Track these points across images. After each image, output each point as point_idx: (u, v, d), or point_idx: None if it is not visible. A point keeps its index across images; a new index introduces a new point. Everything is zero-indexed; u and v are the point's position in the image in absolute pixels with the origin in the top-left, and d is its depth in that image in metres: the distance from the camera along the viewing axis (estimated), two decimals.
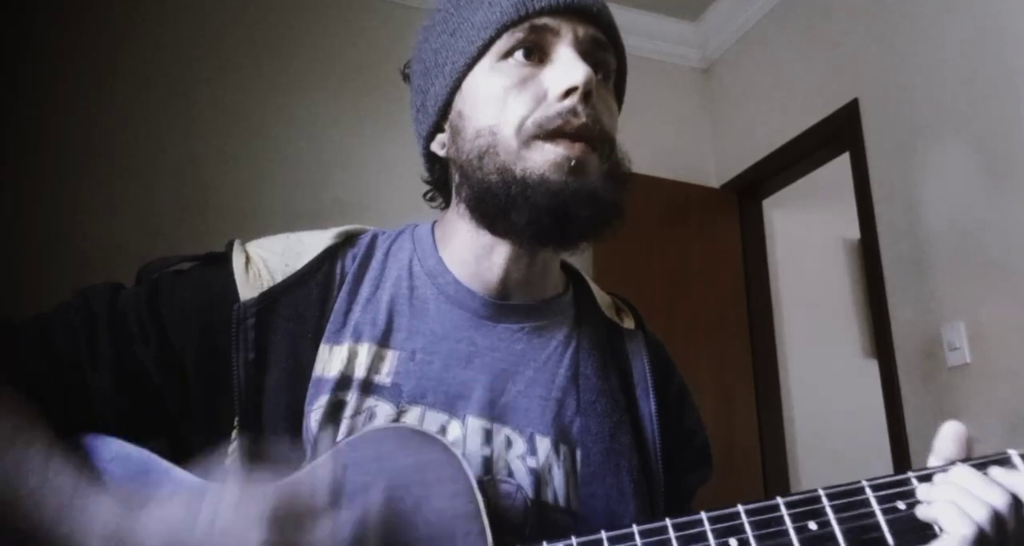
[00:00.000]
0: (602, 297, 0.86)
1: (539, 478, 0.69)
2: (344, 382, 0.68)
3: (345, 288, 0.73)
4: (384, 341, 0.71)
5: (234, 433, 0.65)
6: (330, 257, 0.75)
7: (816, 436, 3.07)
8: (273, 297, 0.70)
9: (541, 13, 0.69)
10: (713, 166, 3.33)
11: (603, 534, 0.55)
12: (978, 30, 2.17)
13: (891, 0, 2.49)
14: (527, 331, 0.75)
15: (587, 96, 0.67)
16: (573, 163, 0.66)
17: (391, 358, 0.70)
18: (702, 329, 2.92)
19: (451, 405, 0.70)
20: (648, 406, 0.77)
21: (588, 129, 0.68)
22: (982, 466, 0.59)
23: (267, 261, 0.73)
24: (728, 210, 3.18)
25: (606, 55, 0.73)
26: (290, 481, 0.59)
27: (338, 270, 0.75)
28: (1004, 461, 0.59)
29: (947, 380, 2.10)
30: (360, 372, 0.69)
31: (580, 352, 0.77)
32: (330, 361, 0.69)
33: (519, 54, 0.70)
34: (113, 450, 0.63)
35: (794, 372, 3.18)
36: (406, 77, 0.82)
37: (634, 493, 0.70)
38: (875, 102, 2.51)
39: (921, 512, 0.57)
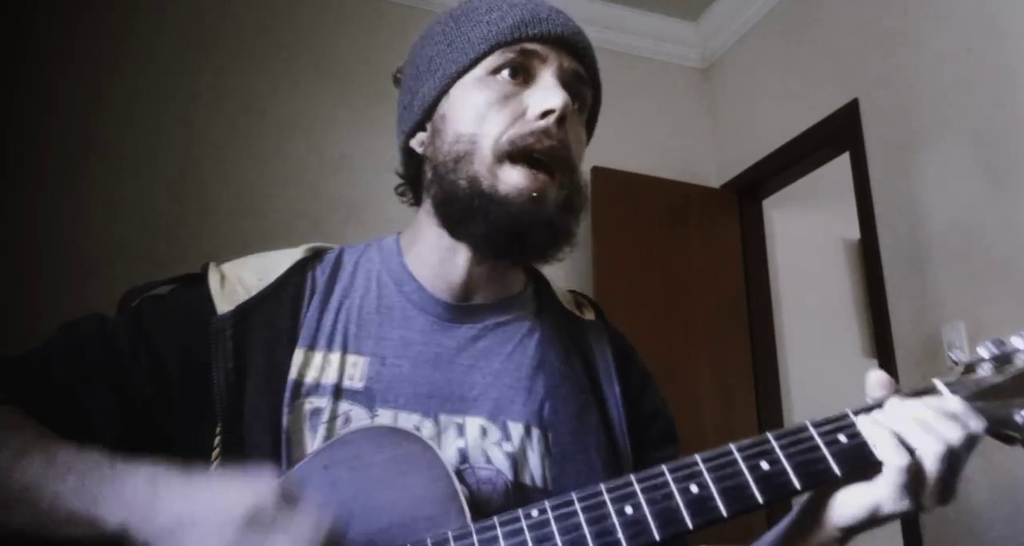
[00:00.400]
0: (562, 292, 0.91)
1: (516, 461, 0.73)
2: (319, 388, 0.73)
3: (316, 298, 0.78)
4: (356, 348, 0.76)
5: (217, 440, 0.68)
6: (300, 270, 0.80)
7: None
8: (248, 309, 0.75)
9: (533, 39, 0.76)
10: (713, 166, 3.33)
11: (573, 495, 0.59)
12: (978, 30, 2.17)
13: (891, 0, 2.49)
14: (491, 328, 0.81)
15: (562, 120, 0.74)
16: (535, 194, 0.72)
17: (362, 364, 0.75)
18: (702, 329, 2.92)
19: (422, 405, 0.74)
20: (612, 389, 0.82)
21: (556, 151, 0.74)
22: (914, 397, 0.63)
23: (241, 277, 0.78)
24: (728, 210, 3.18)
25: (584, 89, 0.80)
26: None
27: (308, 282, 0.80)
28: (931, 390, 0.64)
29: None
30: (333, 378, 0.73)
31: (543, 342, 0.82)
32: (305, 365, 0.73)
33: (506, 72, 0.76)
34: None
35: (794, 372, 3.18)
36: (397, 81, 0.88)
37: (604, 469, 0.74)
38: (875, 102, 2.51)
39: (865, 431, 0.61)
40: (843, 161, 2.64)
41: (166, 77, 2.61)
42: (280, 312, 0.76)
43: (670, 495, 0.58)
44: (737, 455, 0.61)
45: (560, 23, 0.78)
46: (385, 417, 0.72)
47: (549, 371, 0.79)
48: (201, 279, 0.78)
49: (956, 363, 0.67)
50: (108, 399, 0.70)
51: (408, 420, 0.73)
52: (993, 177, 2.08)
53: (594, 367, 0.83)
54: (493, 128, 0.74)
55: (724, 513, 0.58)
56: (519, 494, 0.72)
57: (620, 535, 0.57)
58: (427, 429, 0.73)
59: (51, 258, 2.27)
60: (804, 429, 0.62)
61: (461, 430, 0.74)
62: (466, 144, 0.74)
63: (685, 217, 3.07)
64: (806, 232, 3.45)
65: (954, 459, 0.59)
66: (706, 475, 0.59)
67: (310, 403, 0.72)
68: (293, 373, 0.72)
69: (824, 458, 0.60)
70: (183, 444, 0.70)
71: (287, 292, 0.77)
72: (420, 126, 0.82)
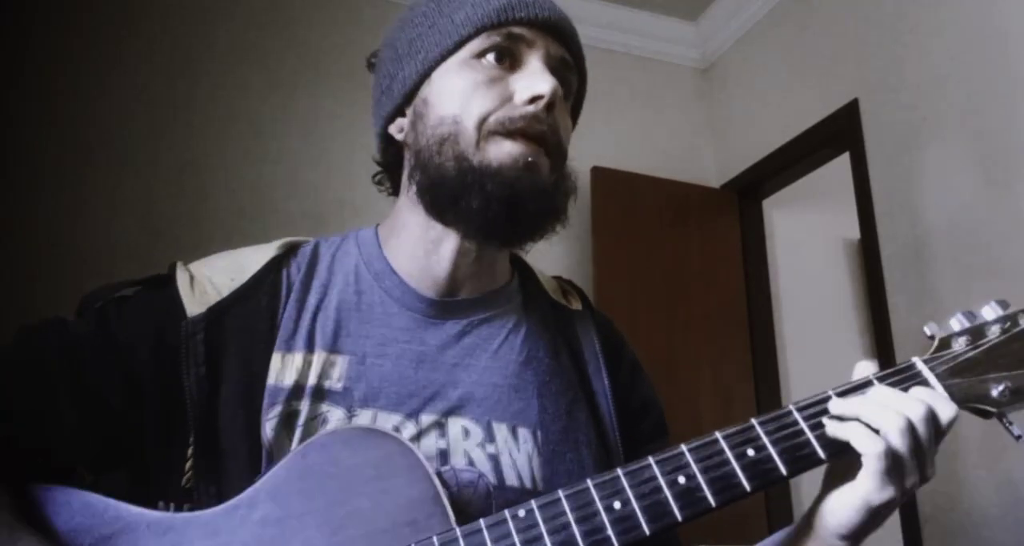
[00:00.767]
0: (547, 281, 0.89)
1: (499, 463, 0.71)
2: (297, 390, 0.69)
3: (293, 296, 0.75)
4: (334, 347, 0.73)
5: (190, 450, 0.65)
6: (275, 268, 0.76)
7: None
8: (221, 311, 0.71)
9: (520, 23, 0.74)
10: (713, 166, 3.33)
11: (560, 493, 0.58)
12: (978, 30, 2.17)
13: (891, 0, 2.49)
14: (476, 324, 0.78)
15: (551, 106, 0.72)
16: (529, 160, 0.70)
17: (341, 363, 0.72)
18: (702, 329, 2.92)
19: (403, 405, 0.71)
20: (601, 383, 0.80)
21: (546, 136, 0.72)
22: (894, 382, 0.64)
23: (211, 277, 0.74)
24: (728, 210, 3.18)
25: (570, 76, 0.78)
26: (241, 500, 0.60)
27: (284, 279, 0.76)
28: (910, 368, 0.65)
29: None
30: (312, 379, 0.70)
31: (530, 336, 0.79)
32: (283, 370, 0.70)
33: (491, 56, 0.73)
34: (76, 503, 0.62)
35: (794, 372, 3.18)
36: (371, 66, 0.85)
37: (594, 466, 0.72)
38: (875, 102, 2.51)
39: (834, 433, 0.60)
40: (843, 161, 2.64)
41: (166, 77, 2.61)
42: (256, 313, 0.72)
43: (658, 488, 0.58)
44: (723, 443, 0.60)
45: (547, 7, 0.76)
46: (363, 418, 0.70)
47: (537, 367, 0.77)
48: (168, 280, 0.73)
49: (931, 337, 0.67)
50: (70, 413, 0.65)
51: (387, 420, 0.70)
52: (993, 177, 2.08)
53: (582, 360, 0.81)
54: (477, 108, 0.71)
55: (712, 503, 0.58)
56: (501, 497, 0.70)
57: (610, 532, 0.56)
58: (407, 430, 0.70)
59: (51, 258, 2.27)
60: (788, 413, 0.62)
61: (443, 430, 0.71)
62: (449, 125, 0.72)
63: (685, 217, 3.07)
64: (806, 232, 3.45)
65: (920, 430, 0.59)
66: (693, 466, 0.59)
67: (289, 407, 0.68)
68: (271, 378, 0.69)
69: (809, 442, 0.60)
70: (155, 457, 0.66)
71: (263, 292, 0.73)
72: (399, 111, 0.79)
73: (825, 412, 0.62)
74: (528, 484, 0.72)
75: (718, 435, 0.61)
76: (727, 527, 1.76)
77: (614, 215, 2.89)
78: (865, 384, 0.63)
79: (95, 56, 2.54)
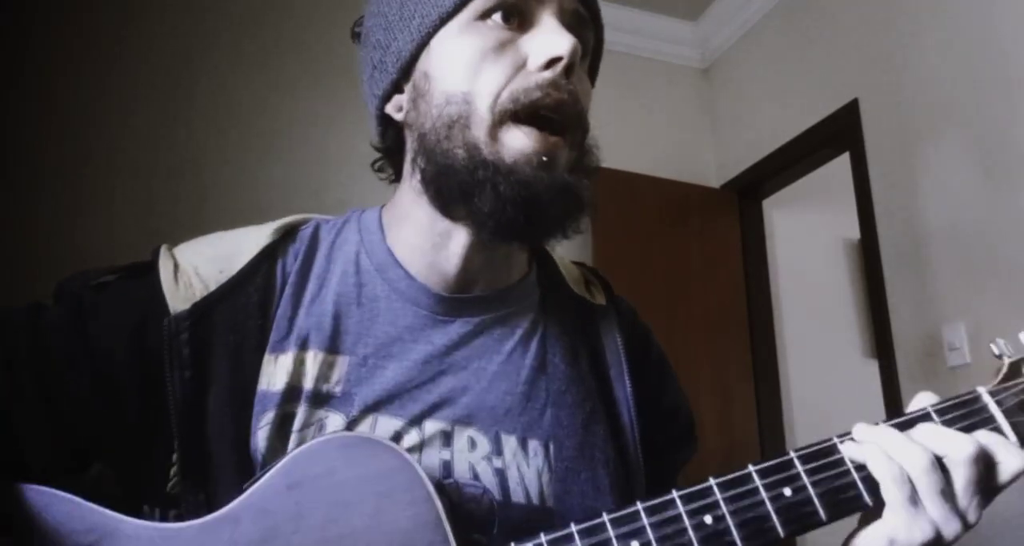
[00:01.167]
0: (569, 271, 0.80)
1: (506, 478, 0.65)
2: (292, 394, 0.63)
3: (288, 290, 0.67)
4: (332, 346, 0.66)
5: (174, 457, 0.59)
6: (268, 257, 0.68)
7: (816, 436, 3.05)
8: (207, 307, 0.63)
9: None
10: (713, 166, 3.33)
11: (572, 527, 0.53)
12: (978, 30, 2.17)
13: (891, 0, 2.49)
14: (488, 323, 0.70)
15: (570, 69, 0.63)
16: (544, 158, 0.62)
17: (341, 364, 0.65)
18: (702, 329, 2.92)
19: (407, 411, 0.65)
20: (623, 389, 0.73)
21: (567, 106, 0.63)
22: (955, 417, 0.57)
23: (198, 268, 0.66)
24: (728, 210, 3.18)
25: (586, 32, 0.69)
26: (225, 514, 0.56)
27: (279, 271, 0.68)
28: (975, 401, 0.57)
29: (947, 380, 2.10)
30: (308, 382, 0.64)
31: (547, 339, 0.72)
32: (275, 373, 0.63)
33: (498, 16, 0.64)
34: (57, 506, 0.57)
35: (794, 372, 3.18)
36: (356, 36, 0.75)
37: (611, 487, 0.66)
38: (875, 102, 2.51)
39: (847, 449, 0.55)
40: (843, 161, 2.64)
41: (166, 77, 2.61)
42: (246, 310, 0.64)
43: (683, 530, 0.52)
44: (758, 481, 0.54)
45: None
46: (364, 425, 0.63)
47: (553, 374, 0.70)
48: (151, 268, 0.65)
49: (999, 356, 0.59)
50: (41, 420, 0.59)
51: (389, 426, 0.64)
52: (993, 177, 2.08)
53: (603, 363, 0.74)
54: (490, 83, 0.62)
55: None
56: (505, 514, 0.64)
57: None
58: (410, 437, 0.64)
59: (51, 258, 2.26)
60: (833, 450, 0.55)
61: (448, 440, 0.65)
62: (459, 105, 0.62)
63: (685, 217, 3.08)
64: (806, 232, 3.45)
65: (958, 473, 0.54)
66: (722, 506, 0.53)
67: (282, 412, 0.62)
68: (263, 383, 0.63)
69: (854, 484, 0.54)
70: (137, 461, 0.61)
71: (254, 286, 0.66)
72: (396, 87, 0.69)
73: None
74: (536, 501, 0.66)
75: (752, 469, 0.54)
76: None
77: (614, 215, 2.89)
78: (922, 417, 0.57)
79: (95, 56, 2.53)
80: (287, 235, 0.72)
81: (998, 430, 0.56)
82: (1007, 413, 0.56)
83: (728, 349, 2.96)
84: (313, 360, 0.65)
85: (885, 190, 2.42)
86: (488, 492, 0.64)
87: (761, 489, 0.53)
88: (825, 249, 3.53)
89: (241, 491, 0.56)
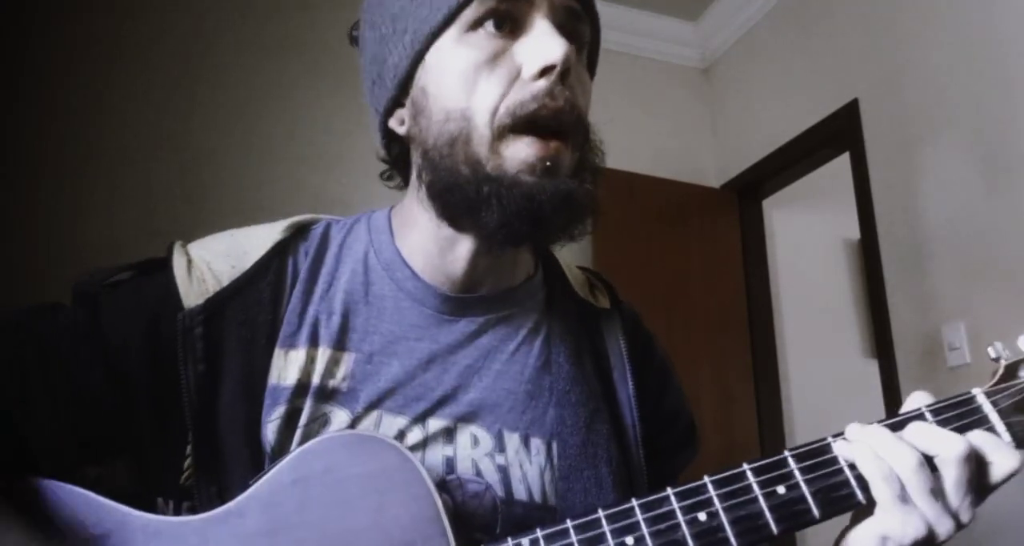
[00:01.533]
0: (575, 275, 0.81)
1: (508, 475, 0.67)
2: (300, 389, 0.64)
3: (299, 287, 0.69)
4: (339, 343, 0.67)
5: (188, 449, 0.61)
6: (280, 253, 0.70)
7: (816, 436, 3.05)
8: (220, 303, 0.65)
9: None
10: (713, 166, 3.33)
11: (568, 523, 0.54)
12: (978, 30, 2.17)
13: (891, 0, 2.49)
14: (493, 322, 0.71)
15: (565, 75, 0.62)
16: (548, 164, 0.62)
17: (347, 361, 0.66)
18: (702, 329, 2.92)
19: (410, 408, 0.66)
20: (626, 390, 0.74)
21: (564, 115, 0.63)
22: (950, 417, 0.57)
23: (211, 263, 0.67)
24: (728, 210, 3.18)
25: (581, 26, 0.68)
26: (231, 508, 0.57)
27: (290, 267, 0.70)
28: (969, 402, 0.58)
29: (947, 380, 2.10)
30: (316, 378, 0.65)
31: (551, 339, 0.73)
32: (286, 367, 0.65)
33: (489, 24, 0.63)
34: (68, 499, 0.58)
35: (794, 372, 3.18)
36: (354, 40, 0.75)
37: (613, 485, 0.67)
38: (875, 102, 2.51)
39: (839, 448, 0.56)
40: (843, 161, 2.64)
41: (166, 77, 2.61)
42: (258, 305, 0.66)
43: (676, 526, 0.53)
44: (751, 478, 0.55)
45: None
46: (368, 421, 0.65)
47: (556, 373, 0.71)
48: (164, 265, 0.67)
49: (996, 359, 0.59)
50: (58, 414, 0.61)
51: (393, 424, 0.65)
52: (993, 177, 2.08)
53: (607, 365, 0.75)
54: (487, 98, 0.62)
55: (734, 544, 0.53)
56: (508, 511, 0.65)
57: None
58: (414, 435, 0.65)
59: (51, 258, 2.26)
60: (827, 448, 0.56)
61: (450, 437, 0.66)
62: (458, 122, 0.63)
63: (685, 217, 3.08)
64: (806, 232, 3.45)
65: (949, 472, 0.54)
66: (716, 502, 0.54)
67: (291, 407, 0.64)
68: (273, 377, 0.64)
69: (847, 482, 0.55)
70: (152, 454, 0.62)
71: (265, 281, 0.67)
72: (397, 102, 0.70)
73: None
74: (538, 498, 0.67)
75: (746, 467, 0.55)
76: None
77: (614, 215, 2.88)
78: (916, 417, 0.58)
79: (95, 56, 2.53)
80: (298, 233, 0.73)
81: (992, 431, 0.57)
82: (1002, 414, 0.57)
83: (728, 349, 2.97)
84: (321, 356, 0.66)
85: (885, 190, 2.42)
86: (491, 488, 0.65)
87: (755, 487, 0.54)
88: (825, 249, 3.53)
89: (247, 486, 0.57)
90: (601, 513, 0.54)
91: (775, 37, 3.08)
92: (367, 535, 0.55)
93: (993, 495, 0.57)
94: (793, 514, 0.54)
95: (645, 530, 0.53)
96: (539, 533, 0.54)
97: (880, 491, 0.54)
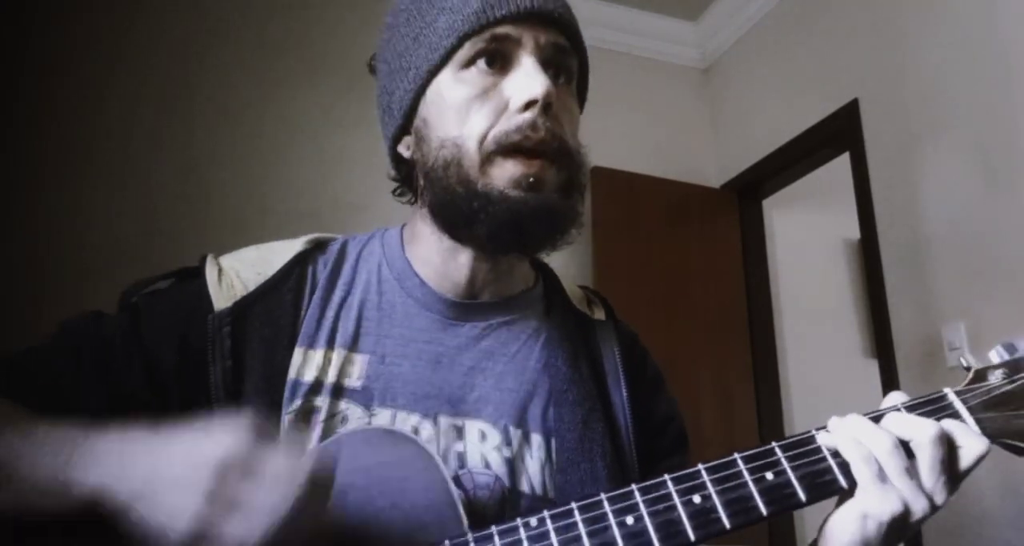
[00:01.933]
0: (572, 290, 0.88)
1: (514, 467, 0.71)
2: (317, 387, 0.70)
3: (318, 293, 0.76)
4: (354, 345, 0.74)
5: None
6: (301, 263, 0.77)
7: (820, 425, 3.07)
8: (247, 305, 0.72)
9: (502, 22, 0.70)
10: (713, 166, 3.33)
11: (573, 504, 0.58)
12: (978, 30, 2.17)
13: (891, 0, 2.49)
14: (495, 327, 0.78)
15: (547, 108, 0.69)
16: (531, 180, 0.69)
17: (361, 362, 0.73)
18: (702, 329, 2.92)
19: (421, 406, 0.72)
20: (620, 395, 0.79)
21: (546, 144, 0.70)
22: (923, 413, 0.62)
23: (239, 271, 0.75)
24: (728, 210, 3.18)
25: (568, 59, 0.75)
26: None
27: (309, 276, 0.77)
28: (941, 399, 0.63)
29: (947, 380, 2.09)
30: (331, 377, 0.71)
31: (550, 343, 0.79)
32: (304, 365, 0.71)
33: (481, 62, 0.71)
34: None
35: (794, 372, 3.18)
36: (372, 69, 0.83)
37: (608, 478, 0.72)
38: (875, 102, 2.51)
39: (822, 438, 0.61)
40: (843, 161, 2.64)
41: (166, 77, 2.61)
42: (280, 308, 0.73)
43: (673, 507, 0.57)
44: (742, 466, 0.59)
45: None
46: (383, 417, 0.70)
47: (555, 374, 0.77)
48: (198, 273, 0.75)
49: (967, 368, 0.65)
50: (102, 403, 0.67)
51: (406, 421, 0.71)
52: (993, 177, 2.08)
53: (601, 371, 0.81)
54: (476, 128, 0.70)
55: (727, 525, 0.57)
56: (515, 501, 0.70)
57: None
58: (426, 431, 0.71)
59: (51, 259, 2.27)
60: (811, 440, 0.61)
61: (460, 433, 0.72)
62: (451, 148, 0.71)
63: (685, 217, 3.08)
64: (806, 232, 3.45)
65: (923, 453, 0.59)
66: (709, 486, 0.58)
67: (308, 403, 0.70)
68: (292, 373, 0.70)
69: (830, 469, 0.59)
70: None
71: (287, 287, 0.75)
72: (404, 130, 0.78)
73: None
74: (539, 491, 0.72)
75: (737, 456, 0.60)
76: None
77: (614, 215, 2.89)
78: (892, 411, 0.62)
79: (96, 56, 2.54)
80: (317, 247, 0.81)
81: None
82: (971, 410, 0.62)
83: (728, 349, 2.96)
84: (337, 357, 0.72)
85: (885, 190, 2.42)
86: (500, 479, 0.70)
87: (745, 473, 0.59)
88: (825, 249, 3.53)
89: None
90: (603, 496, 0.58)
91: (775, 37, 3.08)
92: (387, 517, 0.60)
93: (976, 491, 0.59)
94: (781, 497, 0.58)
95: (644, 511, 0.57)
96: (546, 514, 0.58)
97: (860, 472, 0.58)
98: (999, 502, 1.92)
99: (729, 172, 3.23)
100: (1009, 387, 0.62)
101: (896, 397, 0.64)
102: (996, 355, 0.65)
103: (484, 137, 0.70)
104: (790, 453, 0.60)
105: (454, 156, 0.70)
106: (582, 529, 0.57)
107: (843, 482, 0.59)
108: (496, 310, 0.79)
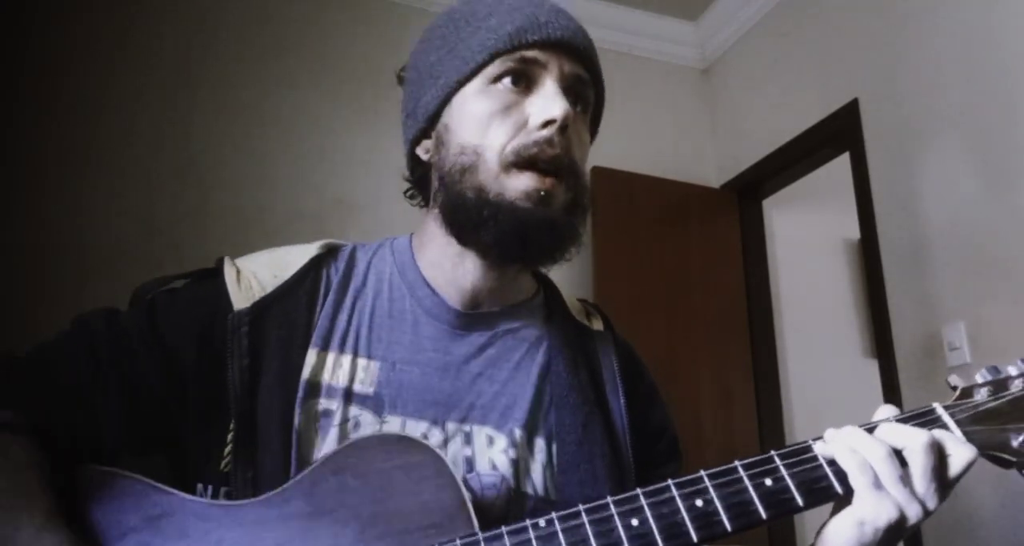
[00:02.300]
0: (571, 302, 0.92)
1: (519, 469, 0.74)
2: (330, 390, 0.73)
3: (331, 297, 0.79)
4: (367, 352, 0.76)
5: (230, 436, 0.69)
6: (316, 266, 0.80)
7: (815, 436, 3.06)
8: (265, 306, 0.75)
9: (532, 46, 0.76)
10: (713, 166, 3.33)
11: (580, 507, 0.60)
12: (977, 30, 2.17)
13: (891, 1, 2.49)
14: (499, 335, 0.81)
15: (563, 129, 0.74)
16: (542, 194, 0.73)
17: (373, 368, 0.76)
18: (702, 329, 2.92)
19: (430, 413, 0.75)
20: (617, 402, 0.82)
21: (559, 159, 0.74)
22: (872, 428, 0.65)
23: (256, 273, 0.78)
24: (728, 210, 3.18)
25: (587, 90, 0.80)
26: (278, 494, 0.64)
27: (323, 278, 0.80)
28: (929, 413, 0.66)
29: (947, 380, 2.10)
30: (343, 381, 0.74)
31: (551, 350, 0.82)
32: (317, 366, 0.74)
33: (507, 80, 0.76)
34: (119, 485, 0.66)
35: (794, 372, 3.18)
36: (400, 80, 0.87)
37: (607, 477, 0.75)
38: (875, 102, 2.51)
39: (820, 448, 0.64)
40: (843, 161, 2.64)
41: (166, 77, 2.61)
42: (296, 310, 0.76)
43: (676, 510, 0.60)
44: (742, 472, 0.62)
45: (560, 26, 0.78)
46: (393, 423, 0.73)
47: (556, 380, 0.80)
48: (216, 273, 0.77)
49: (954, 388, 0.69)
50: (117, 399, 0.69)
51: (416, 427, 0.73)
52: (993, 177, 2.08)
53: (599, 378, 0.84)
54: (496, 139, 0.74)
55: (728, 527, 0.59)
56: (520, 501, 0.73)
57: None
58: (435, 437, 0.73)
59: (51, 259, 2.27)
60: (808, 449, 0.64)
61: (468, 439, 0.75)
62: (470, 155, 0.75)
63: (685, 217, 3.08)
64: (806, 232, 3.45)
65: (915, 461, 0.61)
66: (712, 491, 0.61)
67: (321, 404, 0.72)
68: (306, 373, 0.73)
69: (826, 476, 0.62)
70: (195, 442, 0.70)
71: (303, 289, 0.77)
72: (425, 134, 0.82)
73: None
74: (542, 493, 0.75)
75: (737, 464, 0.63)
76: None
77: (614, 215, 2.89)
78: (883, 423, 0.65)
79: (96, 56, 2.54)
80: (329, 252, 0.83)
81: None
82: (959, 423, 0.65)
83: (728, 349, 2.96)
84: (348, 361, 0.75)
85: (885, 190, 2.42)
86: (506, 479, 0.73)
87: (745, 479, 0.61)
88: (825, 249, 3.53)
89: (290, 478, 0.66)
90: (610, 499, 0.60)
91: (775, 37, 3.08)
92: (400, 518, 0.62)
93: (976, 495, 0.60)
94: (780, 501, 0.61)
95: (649, 513, 0.59)
96: (554, 515, 0.60)
97: (857, 480, 0.61)
98: (999, 510, 1.92)
99: (729, 172, 3.23)
100: (994, 404, 0.66)
101: (887, 410, 0.67)
102: (981, 376, 0.68)
103: (504, 148, 0.74)
104: (788, 461, 0.63)
105: (472, 163, 0.74)
106: (589, 530, 0.59)
107: (839, 488, 0.61)
108: (500, 319, 0.82)
